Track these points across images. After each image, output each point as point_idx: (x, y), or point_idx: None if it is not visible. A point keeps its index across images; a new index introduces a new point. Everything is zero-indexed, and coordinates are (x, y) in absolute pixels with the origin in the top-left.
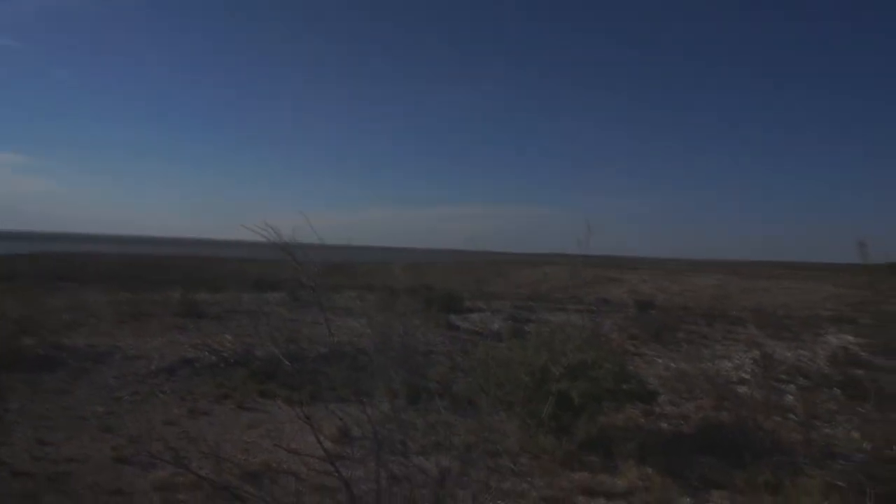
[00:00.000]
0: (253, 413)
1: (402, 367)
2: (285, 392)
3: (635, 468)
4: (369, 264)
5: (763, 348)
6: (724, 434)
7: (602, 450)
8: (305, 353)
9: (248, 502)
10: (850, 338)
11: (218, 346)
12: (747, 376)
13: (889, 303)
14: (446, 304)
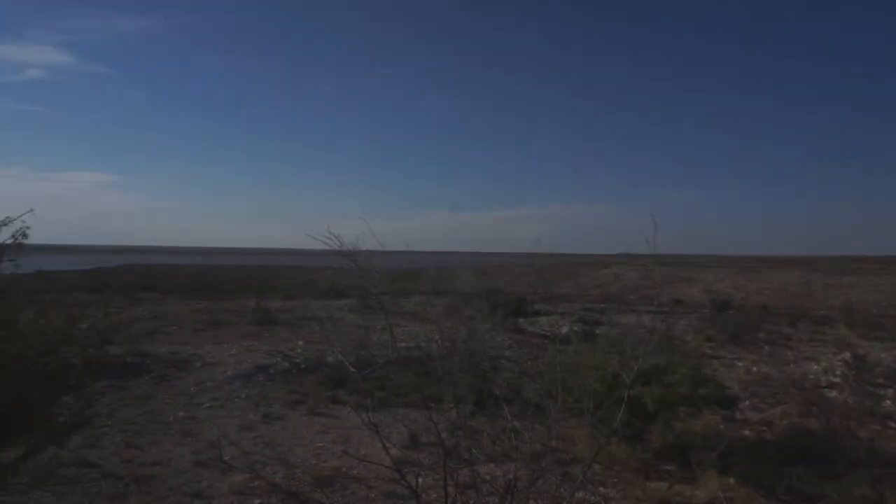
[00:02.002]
0: (324, 419)
1: (469, 372)
2: (355, 398)
3: (716, 478)
4: (435, 269)
5: (855, 349)
6: (814, 442)
7: (679, 458)
8: (375, 359)
9: None
10: None
11: (290, 352)
12: (837, 380)
13: None
14: (514, 308)
